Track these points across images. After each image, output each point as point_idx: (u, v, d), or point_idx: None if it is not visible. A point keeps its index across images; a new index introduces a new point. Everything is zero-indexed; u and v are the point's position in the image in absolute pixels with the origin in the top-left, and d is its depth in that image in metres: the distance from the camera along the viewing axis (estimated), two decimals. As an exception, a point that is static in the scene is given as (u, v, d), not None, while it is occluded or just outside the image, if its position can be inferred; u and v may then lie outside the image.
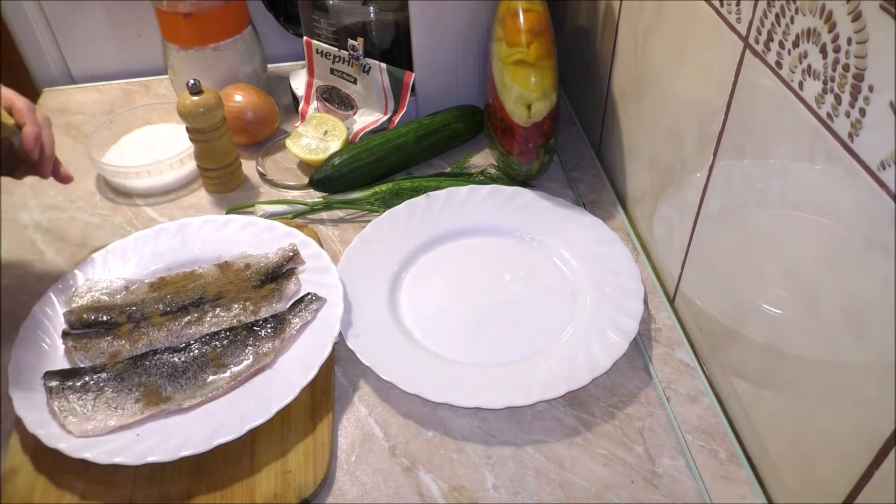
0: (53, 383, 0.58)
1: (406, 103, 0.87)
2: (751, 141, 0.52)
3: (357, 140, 0.87)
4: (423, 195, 0.79)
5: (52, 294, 0.67)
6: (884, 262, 0.39)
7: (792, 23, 0.45)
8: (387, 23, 0.86)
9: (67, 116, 0.98)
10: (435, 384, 0.61)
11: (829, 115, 0.42)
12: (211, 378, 0.59)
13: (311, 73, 0.93)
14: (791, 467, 0.52)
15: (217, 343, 0.61)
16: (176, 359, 0.60)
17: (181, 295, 0.66)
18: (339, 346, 0.65)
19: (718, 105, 0.56)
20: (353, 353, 0.63)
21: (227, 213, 0.80)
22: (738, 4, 0.51)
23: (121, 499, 0.55)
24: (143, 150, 0.87)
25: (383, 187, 0.81)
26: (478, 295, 0.71)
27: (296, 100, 0.96)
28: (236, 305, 0.65)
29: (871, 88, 0.38)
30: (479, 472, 0.57)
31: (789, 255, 0.49)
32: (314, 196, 0.83)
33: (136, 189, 0.84)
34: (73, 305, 0.66)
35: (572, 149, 0.90)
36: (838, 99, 0.41)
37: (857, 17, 0.38)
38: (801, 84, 0.45)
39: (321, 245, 0.73)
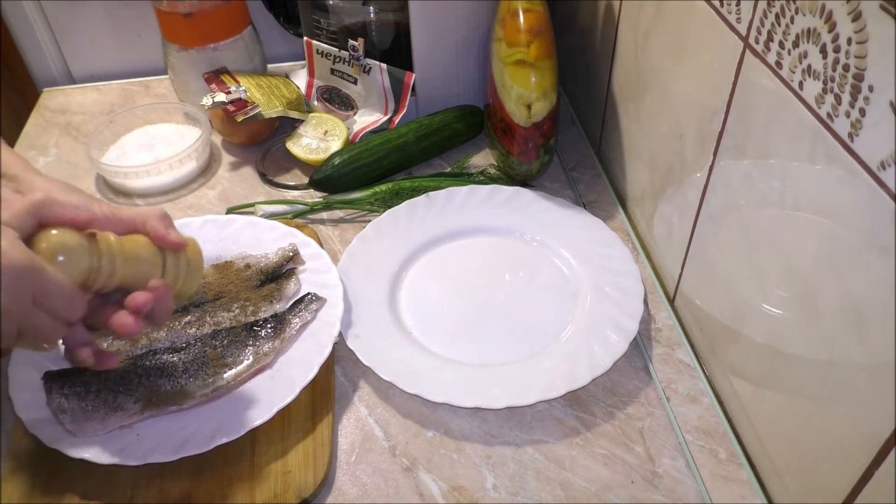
0: (53, 383, 0.58)
1: (406, 103, 0.87)
2: (751, 141, 0.52)
3: (357, 140, 0.87)
4: (423, 195, 0.79)
5: (52, 294, 0.67)
6: (884, 262, 0.39)
7: (792, 23, 0.45)
8: (387, 23, 0.86)
9: (67, 116, 0.98)
10: (435, 384, 0.61)
11: (829, 115, 0.42)
12: (211, 378, 0.59)
13: (311, 74, 0.93)
14: (791, 467, 0.52)
15: (217, 343, 0.61)
16: (176, 359, 0.60)
17: (181, 295, 0.66)
18: (339, 346, 0.65)
19: (718, 105, 0.56)
20: (353, 353, 0.63)
21: (227, 213, 0.80)
22: (738, 4, 0.51)
23: (121, 499, 0.55)
24: (143, 150, 0.87)
25: (383, 187, 0.81)
26: (478, 295, 0.71)
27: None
28: (236, 305, 0.65)
29: (871, 88, 0.38)
30: (479, 472, 0.57)
31: (789, 256, 0.49)
32: (314, 196, 0.83)
33: (135, 189, 0.84)
34: (73, 305, 0.65)
35: (572, 149, 0.90)
36: (838, 99, 0.41)
37: (857, 16, 0.38)
38: (801, 84, 0.45)
39: (321, 245, 0.73)
